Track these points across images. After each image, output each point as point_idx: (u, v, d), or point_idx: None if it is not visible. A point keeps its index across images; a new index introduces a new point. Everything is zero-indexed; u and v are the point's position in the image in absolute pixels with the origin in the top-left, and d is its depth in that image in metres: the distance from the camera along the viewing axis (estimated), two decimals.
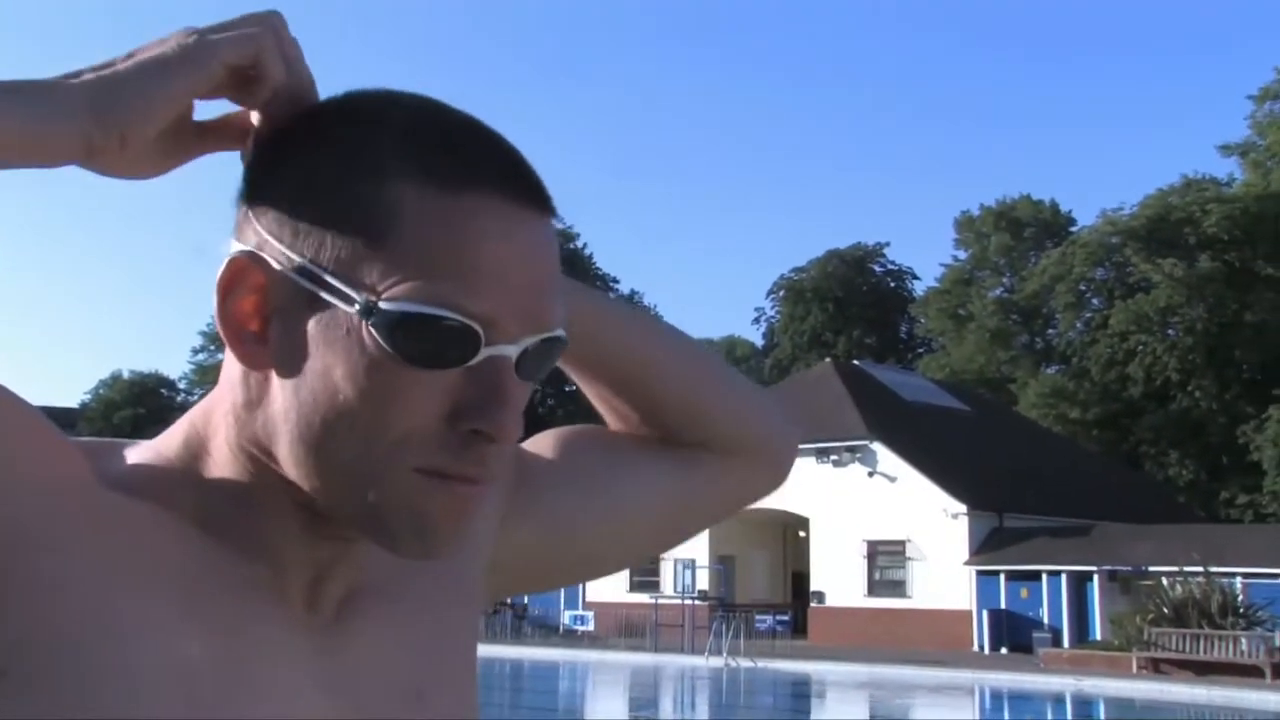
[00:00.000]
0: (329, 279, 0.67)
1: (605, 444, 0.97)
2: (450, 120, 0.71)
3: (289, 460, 0.69)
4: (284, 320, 0.69)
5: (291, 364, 0.68)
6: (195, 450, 0.73)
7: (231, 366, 0.73)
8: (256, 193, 0.71)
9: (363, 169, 0.68)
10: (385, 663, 0.76)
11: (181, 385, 68.50)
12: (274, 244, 0.69)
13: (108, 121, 0.66)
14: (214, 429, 0.73)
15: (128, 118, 0.67)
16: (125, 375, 69.39)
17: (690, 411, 0.96)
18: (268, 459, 0.71)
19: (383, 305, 0.66)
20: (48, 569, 0.64)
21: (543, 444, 0.96)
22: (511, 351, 0.68)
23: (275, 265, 0.69)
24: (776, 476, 1.02)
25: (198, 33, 0.69)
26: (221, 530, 0.71)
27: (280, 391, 0.69)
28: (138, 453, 0.75)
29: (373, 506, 0.68)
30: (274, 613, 0.72)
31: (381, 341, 0.66)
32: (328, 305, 0.67)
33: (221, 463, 0.73)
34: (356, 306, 0.66)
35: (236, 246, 0.71)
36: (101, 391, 69.10)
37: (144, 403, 63.90)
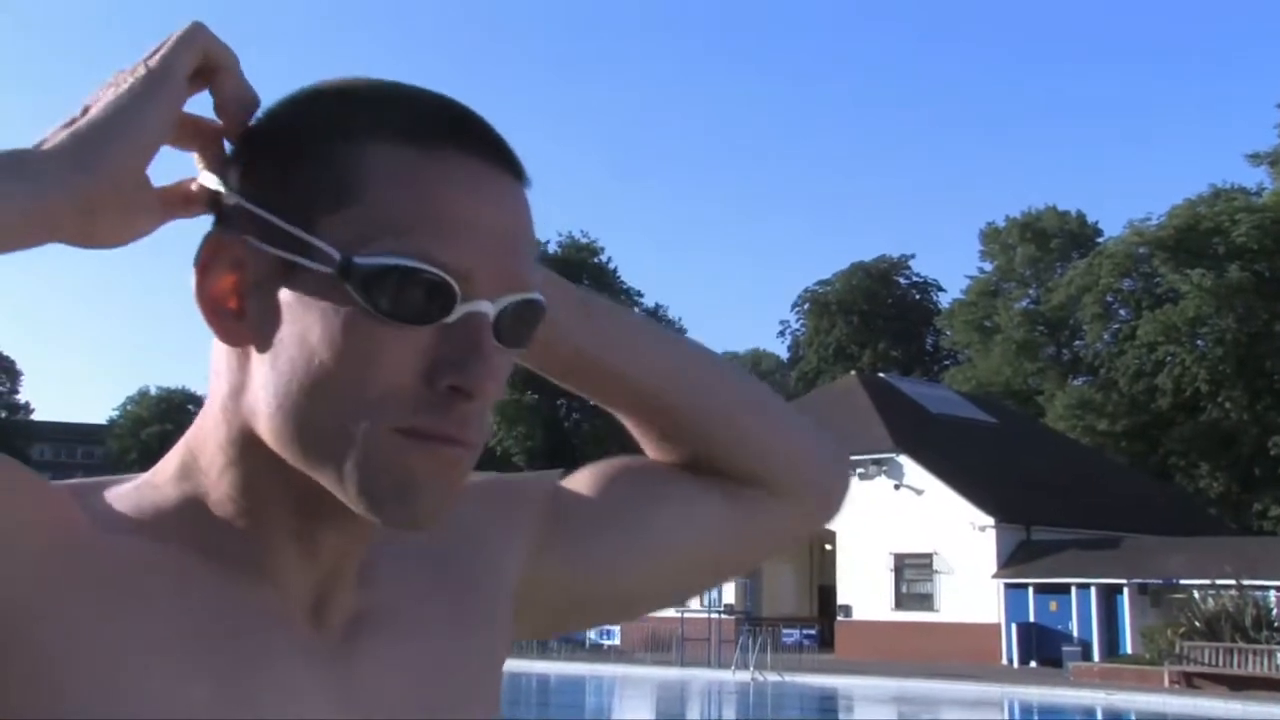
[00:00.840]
0: (306, 239, 0.67)
1: (647, 478, 0.92)
2: (416, 89, 0.72)
3: (271, 434, 0.69)
4: (261, 293, 0.69)
5: (269, 336, 0.69)
6: (190, 470, 0.73)
7: (216, 357, 0.73)
8: (235, 174, 0.71)
9: (331, 133, 0.69)
10: (396, 687, 0.75)
11: None
12: (251, 219, 0.69)
13: (101, 172, 0.65)
14: (206, 437, 0.73)
15: (122, 162, 0.66)
16: (153, 391, 70.02)
17: (741, 444, 0.91)
18: (257, 447, 0.70)
19: (357, 260, 0.66)
20: (47, 638, 0.63)
21: (582, 480, 0.92)
22: (488, 309, 0.68)
23: (253, 240, 0.69)
24: (826, 514, 0.96)
25: (141, 63, 0.69)
26: (223, 555, 0.71)
27: (259, 366, 0.69)
28: (133, 487, 0.74)
29: (355, 471, 0.67)
30: (282, 642, 0.71)
31: (358, 297, 0.66)
32: (304, 271, 0.67)
33: (216, 475, 0.72)
34: (333, 265, 0.66)
35: (216, 226, 0.71)
36: (129, 408, 69.73)
37: (172, 419, 64.31)
